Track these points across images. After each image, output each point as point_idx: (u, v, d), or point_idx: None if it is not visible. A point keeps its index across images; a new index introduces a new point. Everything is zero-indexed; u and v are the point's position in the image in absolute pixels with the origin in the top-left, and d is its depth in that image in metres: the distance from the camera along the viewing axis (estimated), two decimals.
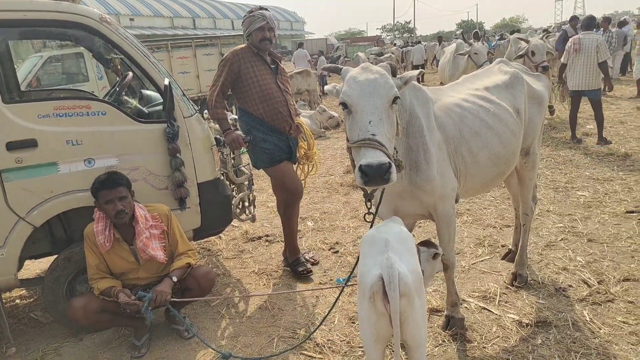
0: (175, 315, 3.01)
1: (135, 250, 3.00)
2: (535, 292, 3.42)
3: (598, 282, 3.45)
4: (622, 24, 12.95)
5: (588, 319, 3.05)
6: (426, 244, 2.77)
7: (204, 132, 3.50)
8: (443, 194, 2.69)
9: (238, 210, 4.10)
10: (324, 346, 2.98)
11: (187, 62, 11.34)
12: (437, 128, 2.70)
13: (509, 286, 3.52)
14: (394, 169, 1.99)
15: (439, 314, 3.21)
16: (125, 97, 3.70)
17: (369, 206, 2.42)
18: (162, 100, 3.31)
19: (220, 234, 4.83)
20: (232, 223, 4.85)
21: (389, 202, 2.70)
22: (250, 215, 4.14)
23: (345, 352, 2.92)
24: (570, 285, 3.47)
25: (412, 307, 1.83)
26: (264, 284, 3.87)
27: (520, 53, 8.08)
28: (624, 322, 2.99)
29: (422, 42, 20.76)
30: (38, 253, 3.41)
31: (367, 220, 2.42)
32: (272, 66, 3.78)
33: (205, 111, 4.48)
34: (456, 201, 2.83)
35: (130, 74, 3.76)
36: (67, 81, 10.43)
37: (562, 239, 4.23)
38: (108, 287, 2.94)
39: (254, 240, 4.78)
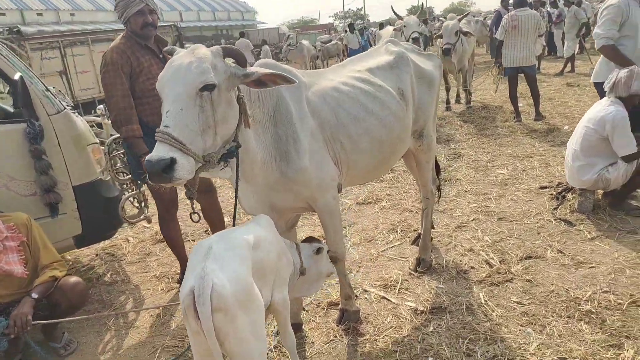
0: (36, 352, 2.69)
1: None
2: (437, 277, 3.35)
3: (500, 262, 3.41)
4: (579, 3, 13.05)
5: (483, 301, 2.99)
6: (308, 240, 2.67)
7: (76, 130, 3.21)
8: (320, 184, 2.53)
9: (133, 212, 3.84)
10: None
11: None
12: (310, 114, 2.53)
13: (413, 272, 3.44)
14: (180, 166, 1.73)
15: (337, 307, 3.08)
16: None
17: (193, 205, 2.13)
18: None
19: (128, 237, 4.59)
20: (145, 224, 4.58)
21: (261, 196, 2.51)
22: (142, 217, 3.88)
23: None
24: (472, 267, 3.41)
25: (233, 323, 1.61)
26: (162, 289, 3.64)
27: (437, 34, 8.23)
28: (517, 303, 2.95)
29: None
30: None
31: (193, 220, 2.15)
32: (160, 56, 3.48)
33: (97, 109, 4.19)
34: (339, 190, 2.69)
35: None
36: None
37: (473, 219, 4.19)
38: None
39: (163, 242, 4.52)
